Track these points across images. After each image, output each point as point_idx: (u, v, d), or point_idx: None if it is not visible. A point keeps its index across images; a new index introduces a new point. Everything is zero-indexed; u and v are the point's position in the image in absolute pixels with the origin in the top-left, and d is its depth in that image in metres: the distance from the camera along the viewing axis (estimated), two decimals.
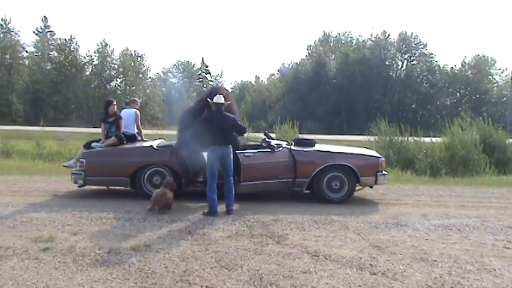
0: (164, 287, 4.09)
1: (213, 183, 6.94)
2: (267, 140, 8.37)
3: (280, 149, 8.14)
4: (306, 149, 8.38)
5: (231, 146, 7.08)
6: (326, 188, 8.10)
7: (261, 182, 7.82)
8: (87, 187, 8.59)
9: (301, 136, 13.00)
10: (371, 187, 8.71)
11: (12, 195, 8.35)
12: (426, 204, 8.31)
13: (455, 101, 62.15)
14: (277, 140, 9.63)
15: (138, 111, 9.43)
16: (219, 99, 7.07)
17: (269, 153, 7.97)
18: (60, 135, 19.34)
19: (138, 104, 9.81)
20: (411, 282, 4.28)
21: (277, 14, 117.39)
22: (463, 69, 61.98)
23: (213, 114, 7.11)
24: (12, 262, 4.59)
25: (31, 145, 16.33)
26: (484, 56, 61.39)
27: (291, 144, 8.72)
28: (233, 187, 7.16)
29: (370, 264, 4.75)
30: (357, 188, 8.37)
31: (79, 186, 8.39)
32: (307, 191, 8.40)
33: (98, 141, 8.84)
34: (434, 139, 15.89)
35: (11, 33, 55.70)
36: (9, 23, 55.42)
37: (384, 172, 8.39)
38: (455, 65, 63.15)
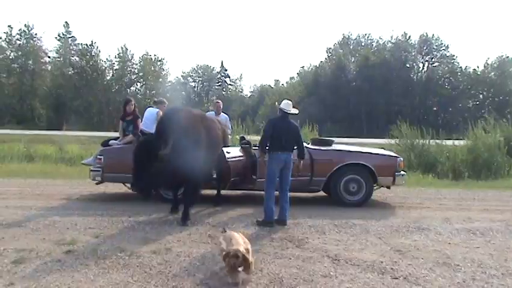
0: None
1: (273, 191, 6.61)
2: None
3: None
4: (323, 148, 8.35)
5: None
6: (344, 190, 8.04)
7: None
8: (108, 191, 8.68)
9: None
10: (389, 188, 8.63)
11: (36, 198, 8.47)
12: (449, 208, 8.20)
13: (478, 103, 61.20)
14: None
15: (161, 112, 9.41)
16: (287, 105, 6.72)
17: None
18: (82, 139, 19.59)
19: (166, 106, 9.76)
20: (434, 287, 4.22)
21: (296, 17, 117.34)
22: (486, 71, 61.08)
23: (279, 119, 6.72)
24: (36, 264, 4.65)
25: (54, 149, 16.58)
26: (507, 56, 60.38)
27: (309, 143, 8.68)
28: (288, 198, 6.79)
29: (392, 269, 4.70)
30: (375, 187, 8.31)
31: (97, 183, 8.48)
32: (324, 194, 8.35)
33: (115, 139, 8.93)
34: (456, 142, 15.69)
35: (34, 39, 56.64)
36: (32, 29, 56.32)
37: (402, 172, 8.31)
38: (477, 67, 62.33)
